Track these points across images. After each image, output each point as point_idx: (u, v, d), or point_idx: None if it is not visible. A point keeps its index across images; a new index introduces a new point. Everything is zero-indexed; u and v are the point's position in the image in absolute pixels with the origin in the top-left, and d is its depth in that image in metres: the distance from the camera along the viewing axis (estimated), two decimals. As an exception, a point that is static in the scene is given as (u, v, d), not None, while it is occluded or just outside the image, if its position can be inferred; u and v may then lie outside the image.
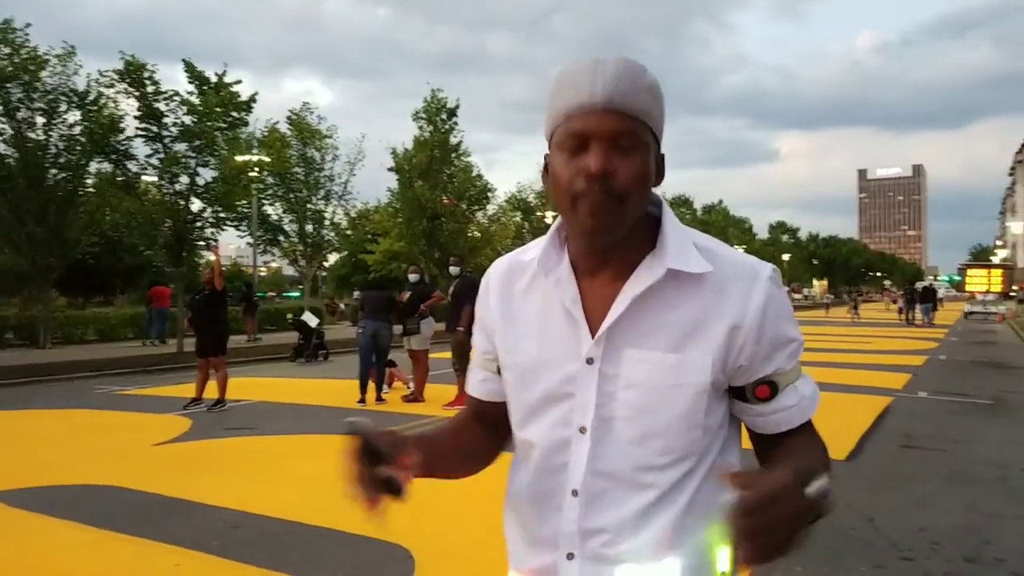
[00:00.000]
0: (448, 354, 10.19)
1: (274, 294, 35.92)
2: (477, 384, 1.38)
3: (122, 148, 17.91)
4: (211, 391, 9.93)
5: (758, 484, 0.87)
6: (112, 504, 5.52)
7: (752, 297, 1.13)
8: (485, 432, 1.37)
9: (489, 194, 32.62)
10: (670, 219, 1.19)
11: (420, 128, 29.02)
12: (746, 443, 1.24)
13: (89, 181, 19.44)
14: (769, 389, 1.16)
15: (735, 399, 1.19)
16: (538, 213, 38.87)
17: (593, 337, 1.15)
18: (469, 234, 31.58)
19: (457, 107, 29.02)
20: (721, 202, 72.36)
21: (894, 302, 46.12)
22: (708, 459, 1.17)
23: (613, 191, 1.09)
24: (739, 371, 1.15)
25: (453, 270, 10.66)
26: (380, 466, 1.03)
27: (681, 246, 1.15)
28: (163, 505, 5.46)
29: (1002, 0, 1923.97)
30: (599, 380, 1.15)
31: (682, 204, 62.41)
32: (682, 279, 1.13)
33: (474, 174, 31.62)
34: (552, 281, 1.20)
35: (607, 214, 1.09)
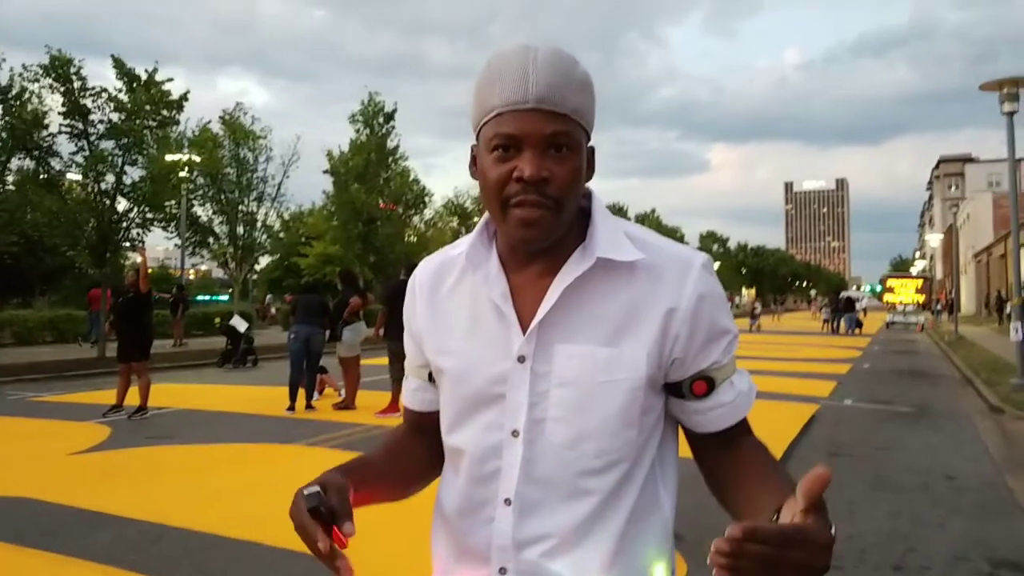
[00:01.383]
0: (382, 360, 10.01)
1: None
2: (410, 394, 1.32)
3: (45, 145, 17.22)
4: (133, 398, 9.57)
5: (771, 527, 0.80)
6: (23, 517, 5.24)
7: (686, 284, 1.10)
8: (424, 446, 1.29)
9: (426, 199, 32.59)
10: (600, 210, 1.14)
11: (357, 131, 28.76)
12: (683, 451, 1.20)
13: (9, 178, 18.62)
14: (706, 385, 1.13)
15: (671, 396, 1.15)
16: (475, 219, 38.87)
17: (524, 334, 1.09)
18: (406, 239, 31.39)
19: (395, 111, 28.84)
20: (654, 211, 73.65)
21: (819, 310, 47.36)
22: (645, 462, 1.12)
23: (547, 196, 1.04)
24: (674, 364, 1.11)
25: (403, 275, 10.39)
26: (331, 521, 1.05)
27: (612, 235, 1.11)
28: (78, 518, 5.20)
29: (917, 23, 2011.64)
30: (531, 379, 1.09)
31: (617, 212, 63.21)
32: (613, 269, 1.09)
33: (411, 178, 31.47)
34: (480, 277, 1.14)
35: (542, 221, 1.05)
